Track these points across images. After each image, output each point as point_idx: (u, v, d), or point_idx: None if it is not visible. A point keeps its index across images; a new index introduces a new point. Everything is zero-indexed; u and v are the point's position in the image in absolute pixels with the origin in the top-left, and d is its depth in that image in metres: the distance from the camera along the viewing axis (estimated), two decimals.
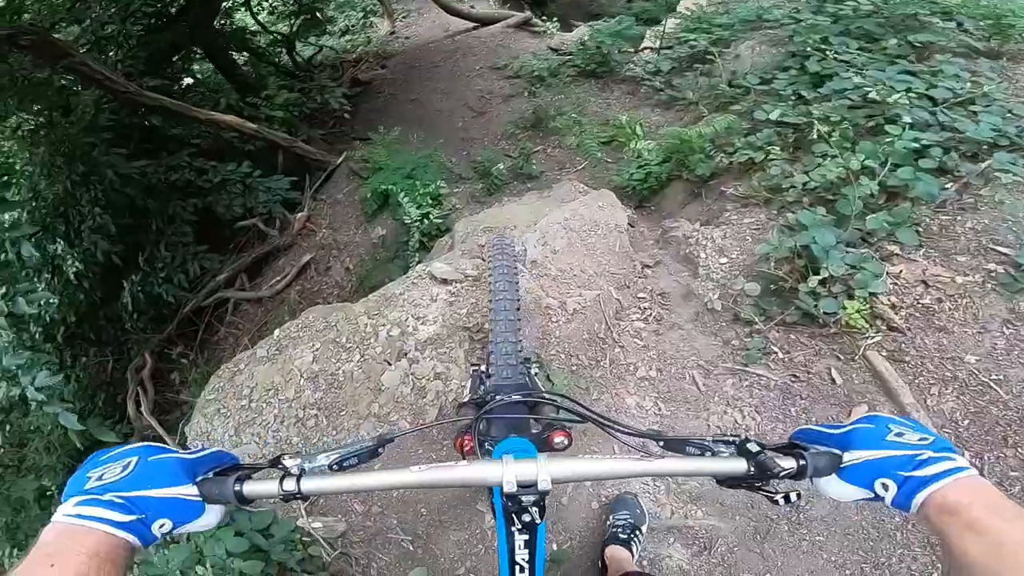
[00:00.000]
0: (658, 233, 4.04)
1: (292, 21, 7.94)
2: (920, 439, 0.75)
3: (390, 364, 2.76)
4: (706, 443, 0.88)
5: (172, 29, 6.30)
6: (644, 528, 2.22)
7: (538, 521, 0.90)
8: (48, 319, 5.37)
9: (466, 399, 1.59)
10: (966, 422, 2.33)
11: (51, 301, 5.28)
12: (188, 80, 6.95)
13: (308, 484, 0.82)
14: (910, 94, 3.37)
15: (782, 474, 0.80)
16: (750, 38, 5.65)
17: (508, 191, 5.77)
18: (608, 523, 2.24)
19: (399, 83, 8.01)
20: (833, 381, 2.59)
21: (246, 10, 7.93)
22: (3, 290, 3.84)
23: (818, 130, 3.36)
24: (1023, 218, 2.80)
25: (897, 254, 2.84)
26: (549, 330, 2.87)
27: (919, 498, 0.69)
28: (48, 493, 4.49)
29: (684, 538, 2.25)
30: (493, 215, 4.34)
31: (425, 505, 2.39)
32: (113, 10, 6.01)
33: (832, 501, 2.01)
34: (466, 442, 1.17)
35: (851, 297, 2.67)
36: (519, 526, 0.97)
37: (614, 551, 2.10)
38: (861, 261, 2.73)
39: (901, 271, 2.77)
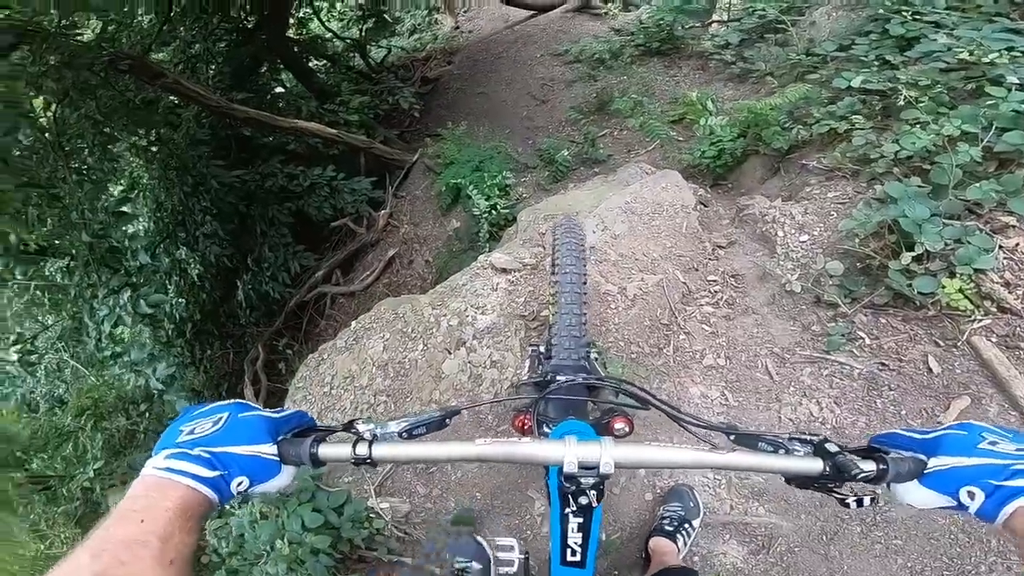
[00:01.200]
0: (733, 212, 3.76)
1: (362, 25, 8.12)
2: (1018, 449, 0.68)
3: (450, 353, 2.72)
4: (780, 440, 0.82)
5: (252, 43, 6.51)
6: (697, 522, 2.03)
7: (595, 504, 0.89)
8: (178, 317, 5.84)
9: (525, 378, 1.52)
10: None
11: (179, 301, 5.78)
12: (279, 89, 7.25)
13: (379, 450, 0.82)
14: (1013, 52, 2.90)
15: (860, 476, 0.74)
16: (824, 3, 5.16)
17: (574, 177, 5.60)
18: (658, 513, 2.08)
19: (465, 77, 7.96)
20: (929, 370, 2.24)
21: (318, 20, 8.18)
22: (129, 293, 4.20)
23: (906, 96, 2.95)
24: None
25: (1013, 226, 2.40)
26: (607, 317, 2.69)
27: (1008, 509, 0.64)
28: None
29: (741, 535, 2.04)
30: (555, 202, 4.19)
31: (480, 490, 2.33)
32: (195, 31, 6.31)
33: None
34: (525, 421, 1.11)
35: (952, 275, 2.30)
36: (574, 508, 0.94)
37: (658, 543, 1.94)
38: (965, 235, 2.34)
39: (1018, 244, 2.35)
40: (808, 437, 0.81)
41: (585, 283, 1.62)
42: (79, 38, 4.03)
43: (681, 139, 5.50)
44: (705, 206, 3.88)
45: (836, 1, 5.00)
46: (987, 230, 2.38)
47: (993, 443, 0.69)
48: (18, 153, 3.65)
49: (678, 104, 5.71)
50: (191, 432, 0.75)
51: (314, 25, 8.25)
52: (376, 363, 2.84)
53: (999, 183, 2.43)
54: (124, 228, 4.90)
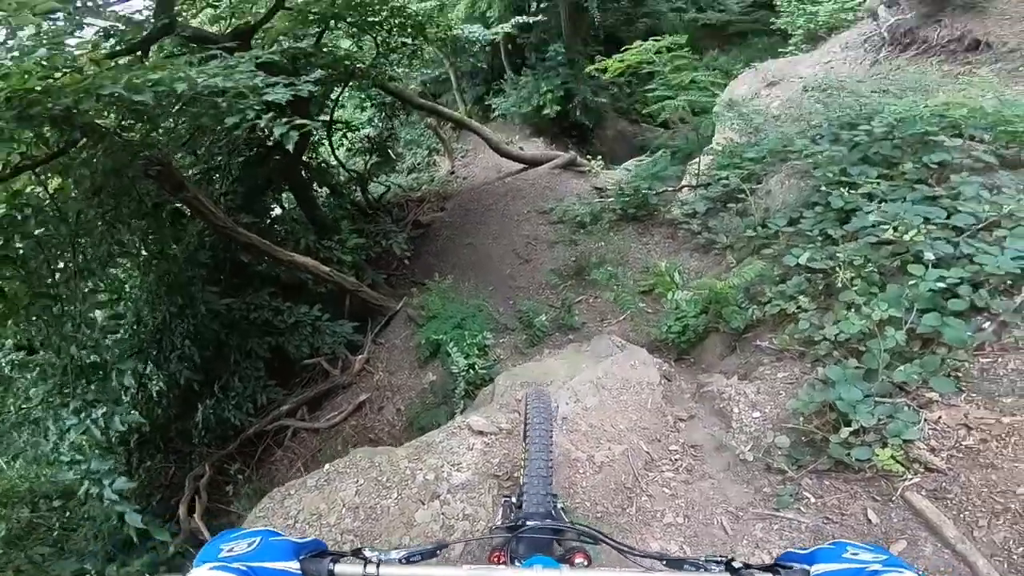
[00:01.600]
0: (695, 387, 4.12)
1: (367, 159, 9.01)
2: (874, 557, 0.91)
3: (423, 504, 2.85)
4: (699, 561, 1.03)
5: (267, 163, 7.09)
6: None
7: None
8: (127, 426, 5.75)
9: (499, 524, 1.77)
10: (1020, 550, 2.21)
11: (133, 414, 5.70)
12: (276, 210, 7.78)
13: (385, 570, 1.00)
14: (930, 225, 3.38)
15: None
16: (778, 171, 5.87)
17: (550, 342, 6.04)
18: None
19: (456, 226, 8.73)
20: (869, 521, 2.51)
21: (328, 147, 8.88)
22: (104, 409, 4.25)
23: (843, 278, 3.44)
24: None
25: (935, 400, 2.79)
26: (576, 481, 2.93)
27: None
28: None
29: None
30: (531, 369, 4.59)
31: None
32: (223, 142, 6.86)
33: None
34: (500, 556, 1.35)
35: (885, 445, 2.64)
36: None
37: None
38: (894, 411, 2.72)
39: (940, 417, 2.72)
40: (720, 558, 1.02)
41: (551, 446, 1.98)
42: (130, 137, 4.50)
43: (650, 311, 6.03)
44: (669, 381, 4.22)
45: (787, 170, 5.84)
46: (914, 405, 2.76)
47: (855, 554, 0.93)
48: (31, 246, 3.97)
49: (649, 274, 6.35)
50: (230, 550, 0.93)
51: (323, 150, 8.98)
52: (347, 505, 2.93)
53: (921, 364, 2.84)
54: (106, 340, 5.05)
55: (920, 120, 4.26)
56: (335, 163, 9.00)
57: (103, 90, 3.03)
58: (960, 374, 2.84)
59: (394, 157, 9.94)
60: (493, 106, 11.92)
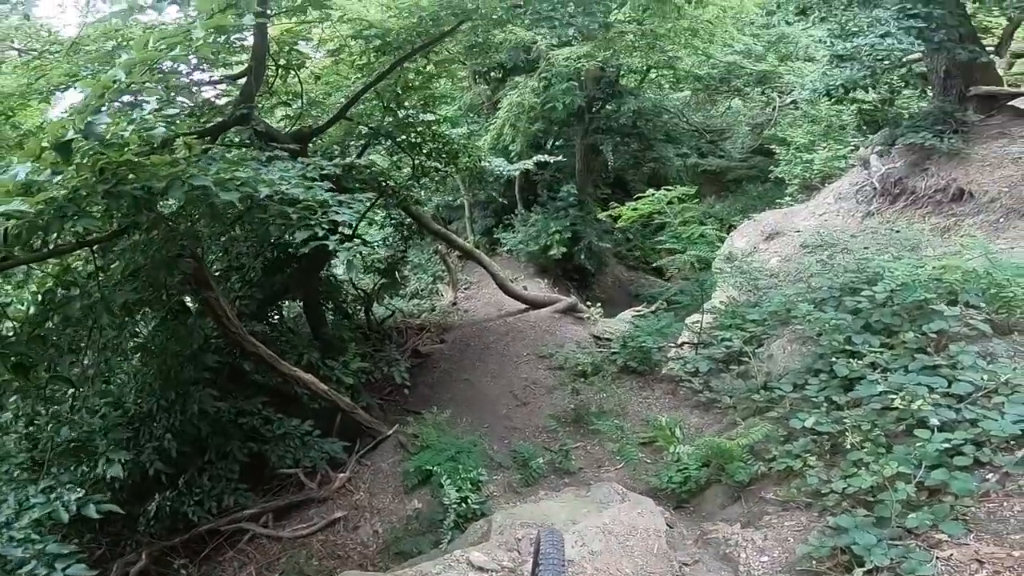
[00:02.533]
0: (696, 534, 4.33)
1: (375, 280, 9.44)
2: None
3: None
4: None
5: (285, 271, 7.47)
6: None
7: None
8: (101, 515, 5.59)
9: None
10: None
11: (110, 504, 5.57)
12: (276, 317, 8.08)
13: None
14: (934, 394, 3.85)
15: None
16: (780, 335, 6.35)
17: (545, 484, 6.27)
18: None
19: (454, 360, 9.07)
20: None
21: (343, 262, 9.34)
22: (79, 493, 4.29)
23: (851, 441, 3.87)
24: None
25: (946, 540, 3.12)
26: None
27: None
28: None
29: None
30: (529, 511, 4.83)
31: None
32: (250, 242, 7.30)
33: None
34: None
35: None
36: None
37: None
38: (907, 553, 3.04)
39: (951, 555, 3.03)
40: None
41: None
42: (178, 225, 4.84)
43: (649, 461, 6.30)
44: (671, 527, 4.46)
45: (789, 334, 6.32)
46: (925, 546, 3.09)
47: None
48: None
49: (649, 427, 6.67)
50: None
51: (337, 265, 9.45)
52: None
53: (931, 511, 3.23)
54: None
55: (919, 286, 4.83)
56: (344, 279, 9.50)
57: (194, 180, 3.33)
58: (968, 518, 3.22)
59: (400, 281, 10.52)
60: (502, 240, 12.82)
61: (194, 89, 5.30)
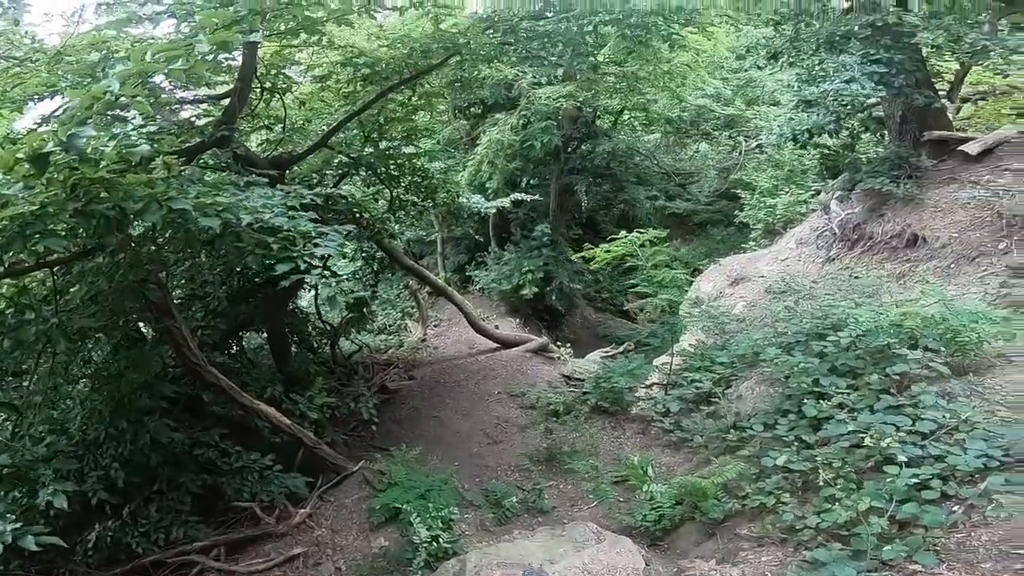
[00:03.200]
0: (673, 571, 4.39)
1: (342, 314, 9.32)
2: None
3: None
4: None
5: (250, 301, 7.33)
6: None
7: None
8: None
9: None
10: None
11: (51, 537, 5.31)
12: (236, 348, 7.93)
13: None
14: (900, 432, 4.11)
15: None
16: (749, 376, 6.62)
17: (519, 523, 6.26)
18: None
19: (424, 396, 9.01)
20: None
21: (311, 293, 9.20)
22: (17, 525, 4.11)
23: (824, 477, 4.05)
24: None
25: (920, 571, 3.28)
26: None
27: None
28: None
29: None
30: (506, 550, 4.92)
31: None
32: (218, 270, 7.06)
33: None
34: None
35: None
36: None
37: None
38: None
39: None
40: None
41: None
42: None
43: (622, 500, 6.34)
44: (647, 565, 4.51)
45: (757, 376, 6.52)
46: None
47: None
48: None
49: (621, 466, 6.74)
50: None
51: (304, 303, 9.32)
52: None
53: (905, 543, 3.43)
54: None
55: (881, 332, 5.20)
56: (311, 312, 9.43)
57: (173, 203, 3.25)
58: (939, 549, 3.42)
59: (367, 315, 10.47)
60: (474, 278, 12.92)
61: (175, 107, 5.29)
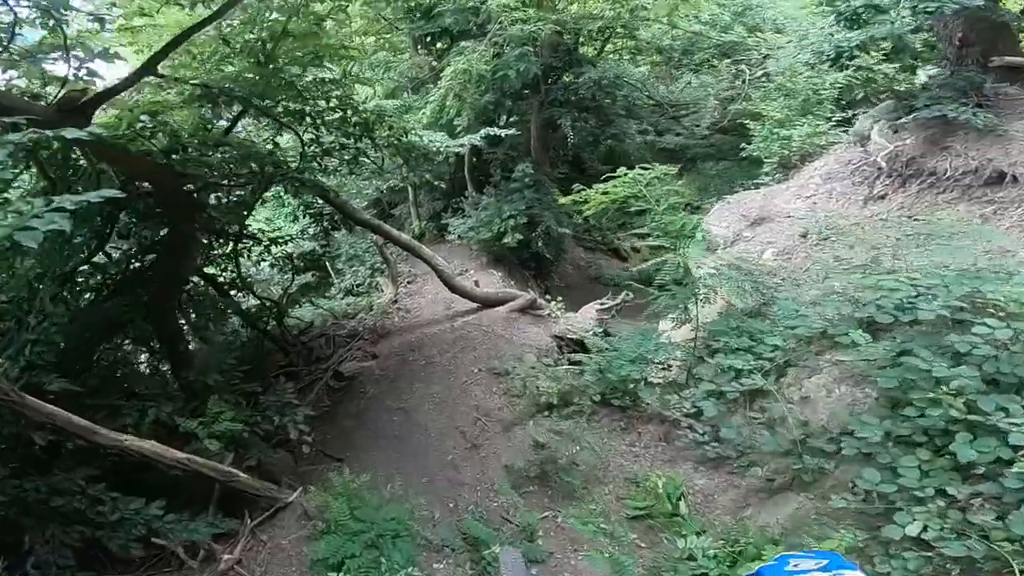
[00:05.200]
0: None
1: (289, 281, 6.73)
2: (816, 564, 0.98)
3: None
4: None
5: (117, 299, 4.85)
6: None
7: None
8: None
9: None
10: None
11: None
12: (107, 360, 5.27)
13: None
14: None
15: None
16: (817, 367, 4.19)
17: None
18: None
19: (387, 381, 6.46)
20: None
21: (230, 266, 6.54)
22: None
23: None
24: None
25: None
26: None
27: None
28: None
29: None
30: None
31: None
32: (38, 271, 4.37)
33: None
34: None
35: None
36: None
37: None
38: None
39: None
40: None
41: None
42: None
43: (643, 544, 4.00)
44: None
45: (834, 371, 4.05)
46: None
47: (796, 564, 0.98)
48: None
49: (640, 492, 4.37)
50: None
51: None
52: None
53: None
54: None
55: None
56: (236, 288, 6.74)
57: None
58: None
59: (332, 276, 7.81)
60: (450, 227, 10.20)
61: None
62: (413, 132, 6.70)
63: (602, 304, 8.58)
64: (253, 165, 4.40)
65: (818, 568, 0.91)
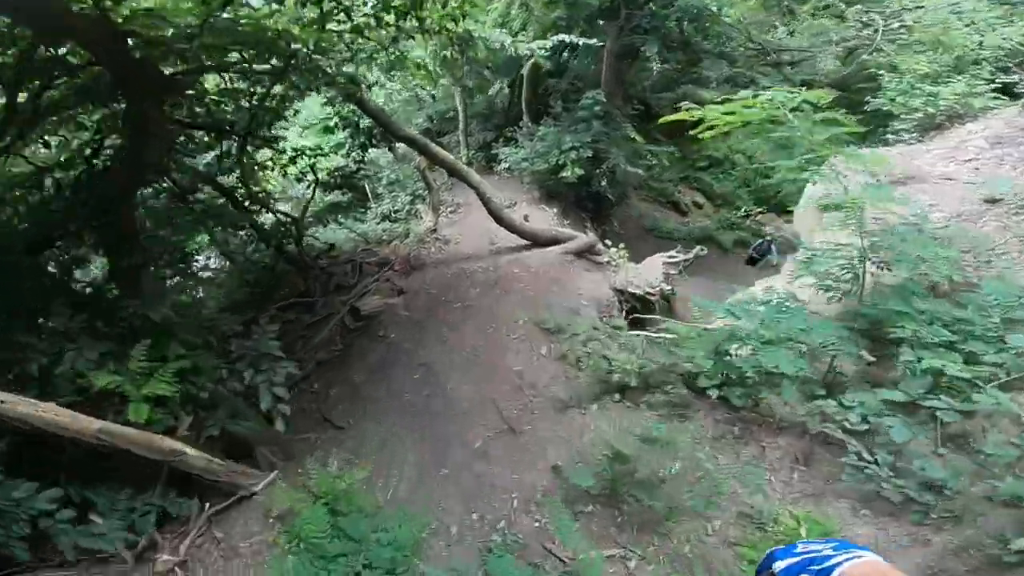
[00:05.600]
0: None
1: (321, 196, 5.39)
2: (824, 545, 0.98)
3: None
4: None
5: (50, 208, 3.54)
6: None
7: None
8: None
9: None
10: None
11: None
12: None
13: None
14: None
15: None
16: None
17: None
18: None
19: (411, 326, 5.03)
20: None
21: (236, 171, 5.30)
22: None
23: None
24: None
25: None
26: None
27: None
28: None
29: None
30: None
31: None
32: None
33: None
34: None
35: None
36: None
37: None
38: None
39: None
40: None
41: None
42: None
43: None
44: None
45: None
46: None
47: (806, 546, 1.00)
48: None
49: (762, 534, 2.79)
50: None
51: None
52: None
53: None
54: None
55: None
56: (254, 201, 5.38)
57: None
58: None
59: (370, 198, 6.36)
60: (500, 156, 8.50)
61: None
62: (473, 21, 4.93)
63: (671, 257, 6.93)
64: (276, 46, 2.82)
65: (828, 546, 0.92)
